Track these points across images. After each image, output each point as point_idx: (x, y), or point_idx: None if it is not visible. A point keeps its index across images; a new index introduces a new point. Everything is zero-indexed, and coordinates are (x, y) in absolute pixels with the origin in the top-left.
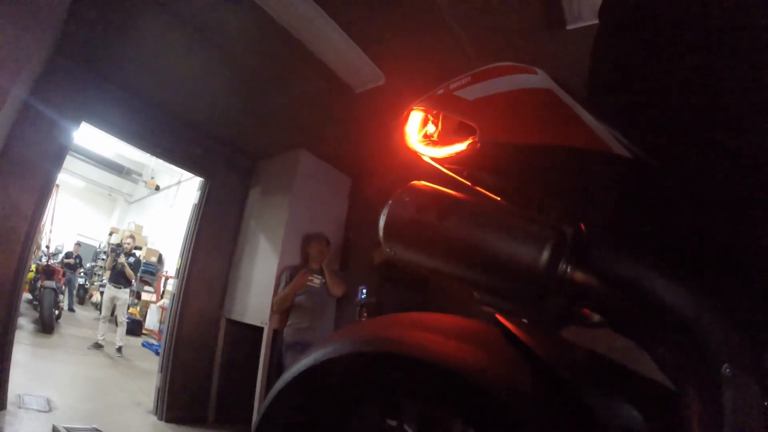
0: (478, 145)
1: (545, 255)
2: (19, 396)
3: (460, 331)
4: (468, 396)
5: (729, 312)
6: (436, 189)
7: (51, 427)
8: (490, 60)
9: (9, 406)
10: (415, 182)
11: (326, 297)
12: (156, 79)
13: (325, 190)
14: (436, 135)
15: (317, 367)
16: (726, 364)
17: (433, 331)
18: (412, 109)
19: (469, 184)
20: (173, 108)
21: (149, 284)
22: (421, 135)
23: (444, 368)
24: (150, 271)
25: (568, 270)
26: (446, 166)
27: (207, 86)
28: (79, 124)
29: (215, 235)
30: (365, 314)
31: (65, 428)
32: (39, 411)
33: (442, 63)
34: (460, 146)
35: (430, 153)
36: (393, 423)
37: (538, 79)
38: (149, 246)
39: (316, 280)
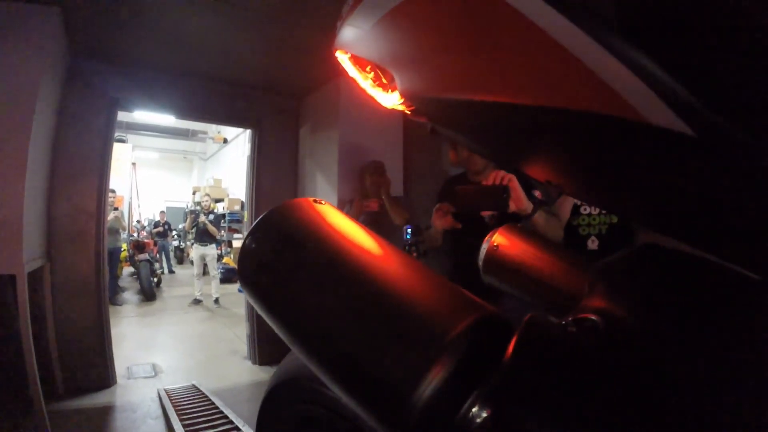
0: (406, 99)
1: (425, 390)
2: (128, 368)
3: None
4: None
5: None
6: (302, 218)
7: (156, 392)
8: None
9: (119, 380)
10: (293, 201)
11: (389, 223)
12: (175, 49)
13: (375, 115)
14: (383, 77)
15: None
16: None
17: None
18: (335, 51)
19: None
20: (202, 70)
21: (238, 231)
22: (369, 78)
23: None
24: (236, 219)
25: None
26: (413, 115)
27: (226, 38)
28: (115, 114)
29: (274, 182)
30: (414, 254)
31: (165, 390)
32: (146, 378)
33: None
34: (395, 98)
35: (384, 101)
36: None
37: None
38: (231, 196)
39: (372, 204)
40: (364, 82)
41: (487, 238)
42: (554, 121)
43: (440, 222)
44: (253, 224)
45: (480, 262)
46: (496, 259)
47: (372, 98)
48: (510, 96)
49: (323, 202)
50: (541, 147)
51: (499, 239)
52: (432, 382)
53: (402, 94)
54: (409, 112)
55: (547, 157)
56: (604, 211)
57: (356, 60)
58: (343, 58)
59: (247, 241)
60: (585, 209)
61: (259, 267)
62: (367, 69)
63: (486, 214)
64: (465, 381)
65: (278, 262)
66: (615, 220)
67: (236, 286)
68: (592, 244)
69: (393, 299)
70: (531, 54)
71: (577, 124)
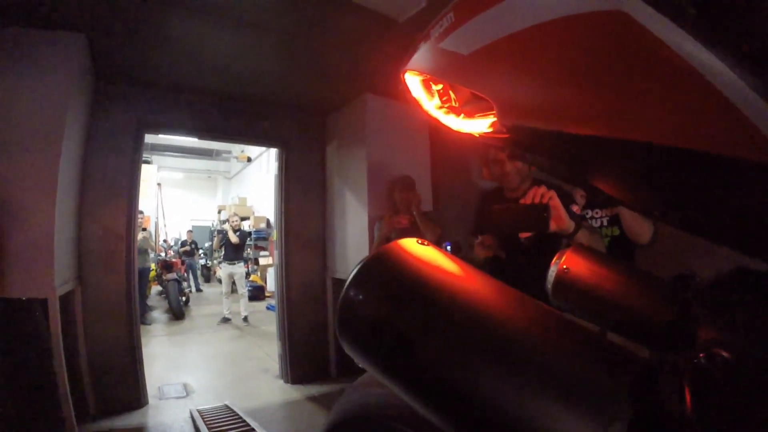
0: (504, 128)
1: None
2: (159, 388)
3: None
4: None
5: None
6: (420, 266)
7: (188, 412)
8: None
9: (151, 400)
10: (396, 246)
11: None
12: (199, 71)
13: (402, 129)
14: (454, 101)
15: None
16: None
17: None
18: (405, 72)
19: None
20: (227, 91)
21: (264, 249)
22: (435, 100)
23: None
24: (262, 237)
25: None
26: (485, 138)
27: (249, 60)
28: (142, 137)
29: (303, 199)
30: None
31: (198, 411)
32: (177, 398)
33: None
34: (483, 124)
35: (453, 125)
36: None
37: None
38: (256, 214)
39: (403, 220)
40: (429, 103)
41: (555, 260)
42: (687, 163)
43: (484, 252)
44: (354, 272)
45: (549, 286)
46: (566, 282)
47: (436, 120)
48: (639, 133)
49: (426, 243)
50: (661, 184)
51: (568, 261)
52: None
53: (501, 122)
54: (477, 135)
55: (663, 193)
56: (605, 224)
57: (425, 82)
58: (412, 79)
59: (351, 293)
60: (586, 222)
61: (372, 323)
62: (436, 90)
63: (524, 235)
64: None
65: (398, 318)
66: (617, 232)
67: (264, 303)
68: None
69: (548, 356)
70: (677, 92)
71: (716, 167)
